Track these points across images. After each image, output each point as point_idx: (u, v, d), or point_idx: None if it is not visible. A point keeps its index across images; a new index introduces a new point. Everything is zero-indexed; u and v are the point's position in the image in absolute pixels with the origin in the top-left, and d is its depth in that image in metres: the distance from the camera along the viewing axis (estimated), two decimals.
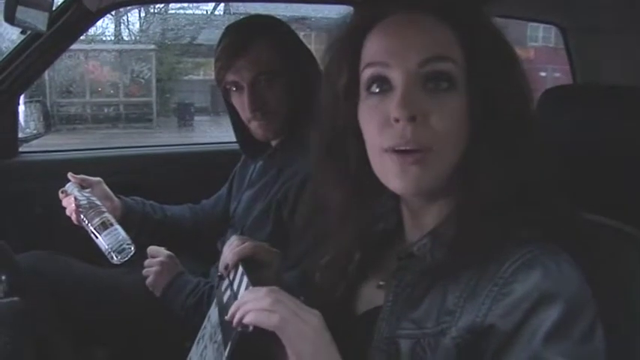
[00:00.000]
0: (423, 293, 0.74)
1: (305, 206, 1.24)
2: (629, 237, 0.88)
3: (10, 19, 0.94)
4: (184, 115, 11.65)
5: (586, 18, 1.90)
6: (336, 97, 0.80)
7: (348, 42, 0.80)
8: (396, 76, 0.73)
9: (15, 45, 1.76)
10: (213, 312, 0.86)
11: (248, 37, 1.37)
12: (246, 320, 0.71)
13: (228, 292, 0.84)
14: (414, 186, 0.74)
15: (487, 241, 0.72)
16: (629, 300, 0.83)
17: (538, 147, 0.74)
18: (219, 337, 0.77)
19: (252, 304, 0.71)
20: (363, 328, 0.80)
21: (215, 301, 0.88)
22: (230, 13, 9.96)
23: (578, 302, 0.68)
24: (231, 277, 0.87)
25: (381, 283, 0.82)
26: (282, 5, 3.62)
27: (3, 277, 0.95)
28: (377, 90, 0.75)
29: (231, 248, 0.90)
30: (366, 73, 0.76)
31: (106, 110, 11.39)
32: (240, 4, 7.48)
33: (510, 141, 0.73)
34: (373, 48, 0.76)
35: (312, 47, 1.49)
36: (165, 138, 9.85)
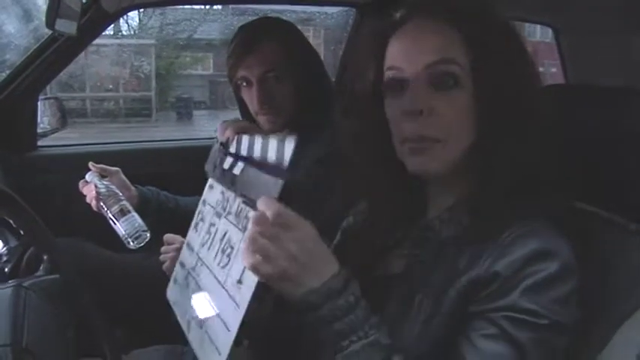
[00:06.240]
0: (436, 261, 0.85)
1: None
2: (619, 227, 0.91)
3: (51, 25, 1.03)
4: (183, 110, 11.59)
5: (579, 19, 1.92)
6: (367, 92, 0.91)
7: (374, 44, 0.90)
8: (408, 77, 0.84)
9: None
10: (213, 193, 0.93)
11: (258, 36, 1.45)
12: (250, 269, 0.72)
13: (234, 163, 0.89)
14: (425, 172, 0.87)
15: (494, 221, 0.82)
16: (613, 286, 0.85)
17: (545, 135, 0.81)
18: (235, 206, 0.83)
19: (252, 249, 0.72)
20: (382, 289, 0.89)
21: (210, 184, 0.96)
22: (228, 8, 9.94)
23: (568, 267, 0.78)
24: (233, 149, 0.90)
25: (405, 252, 0.92)
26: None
27: (45, 257, 1.03)
28: (396, 89, 0.86)
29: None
30: (387, 76, 0.88)
31: (105, 105, 11.35)
32: None
33: (517, 131, 0.81)
34: (393, 52, 0.87)
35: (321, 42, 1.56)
36: (163, 133, 9.73)
